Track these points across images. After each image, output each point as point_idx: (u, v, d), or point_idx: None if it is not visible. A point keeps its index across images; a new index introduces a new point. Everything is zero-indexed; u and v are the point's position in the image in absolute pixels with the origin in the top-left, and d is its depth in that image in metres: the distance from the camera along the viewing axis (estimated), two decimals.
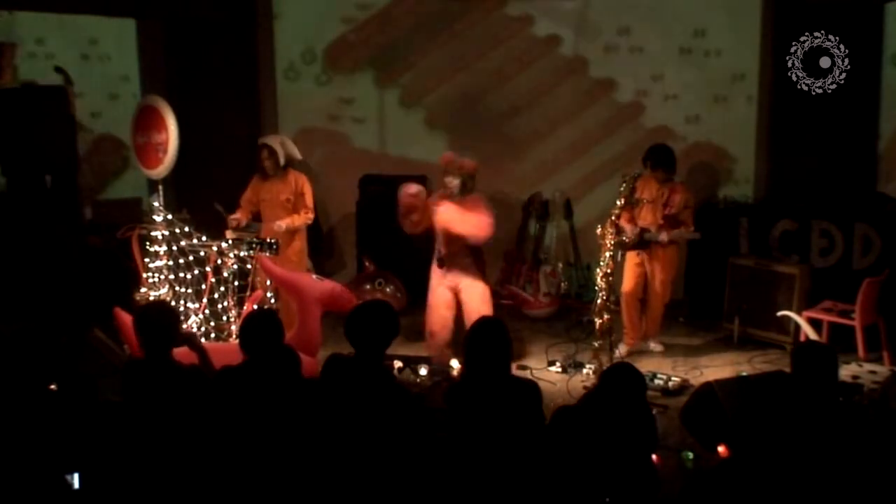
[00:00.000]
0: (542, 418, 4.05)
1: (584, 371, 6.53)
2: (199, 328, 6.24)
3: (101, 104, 8.44)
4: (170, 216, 6.40)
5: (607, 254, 6.43)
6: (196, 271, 6.29)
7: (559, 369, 6.66)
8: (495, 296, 8.01)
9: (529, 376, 5.99)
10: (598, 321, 6.42)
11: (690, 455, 5.02)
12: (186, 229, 6.29)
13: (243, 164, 7.44)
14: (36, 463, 3.56)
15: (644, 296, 7.05)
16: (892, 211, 7.35)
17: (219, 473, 3.81)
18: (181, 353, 4.65)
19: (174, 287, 6.33)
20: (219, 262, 6.31)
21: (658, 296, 7.00)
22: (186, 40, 8.46)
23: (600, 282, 6.44)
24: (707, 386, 5.11)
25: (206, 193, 7.22)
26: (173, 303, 6.28)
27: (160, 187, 6.81)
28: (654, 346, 7.13)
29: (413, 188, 6.44)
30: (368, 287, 7.90)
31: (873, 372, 6.31)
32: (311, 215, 7.04)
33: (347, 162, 8.77)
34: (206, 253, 6.31)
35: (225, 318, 6.34)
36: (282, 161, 6.92)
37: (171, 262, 6.31)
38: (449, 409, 4.09)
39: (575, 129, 8.63)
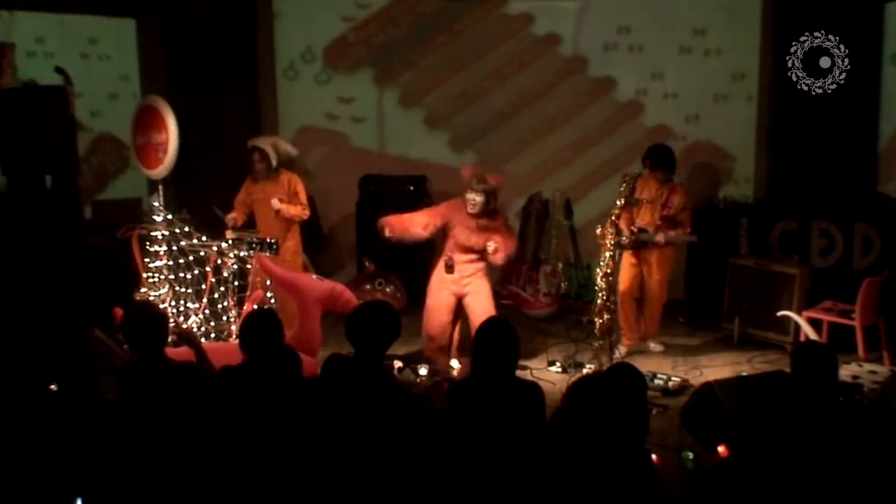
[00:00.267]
0: (543, 420, 4.05)
1: (584, 371, 6.53)
2: (199, 328, 6.24)
3: (101, 104, 8.44)
4: (170, 216, 6.40)
5: (607, 254, 6.43)
6: (196, 271, 6.29)
7: (559, 369, 6.66)
8: (495, 296, 8.03)
9: (529, 377, 6.00)
10: (598, 321, 6.42)
11: (690, 455, 5.02)
12: (186, 229, 6.30)
13: (243, 164, 7.43)
14: (36, 462, 3.56)
15: (641, 295, 7.05)
16: (892, 211, 7.35)
17: (219, 473, 3.81)
18: (180, 352, 4.65)
19: (174, 287, 6.33)
20: (219, 262, 6.31)
21: (655, 295, 7.00)
22: (186, 40, 8.46)
23: (600, 282, 6.44)
24: (707, 386, 5.11)
25: (206, 193, 7.24)
26: (173, 303, 6.29)
27: (160, 187, 6.80)
28: (654, 346, 7.13)
29: (385, 232, 6.42)
30: (368, 287, 7.90)
31: (873, 372, 6.31)
32: (307, 211, 7.09)
33: (347, 161, 8.76)
34: (206, 253, 6.31)
35: (225, 318, 6.35)
36: (274, 163, 6.98)
37: (171, 262, 6.32)
38: (451, 408, 4.09)
39: (575, 129, 8.63)
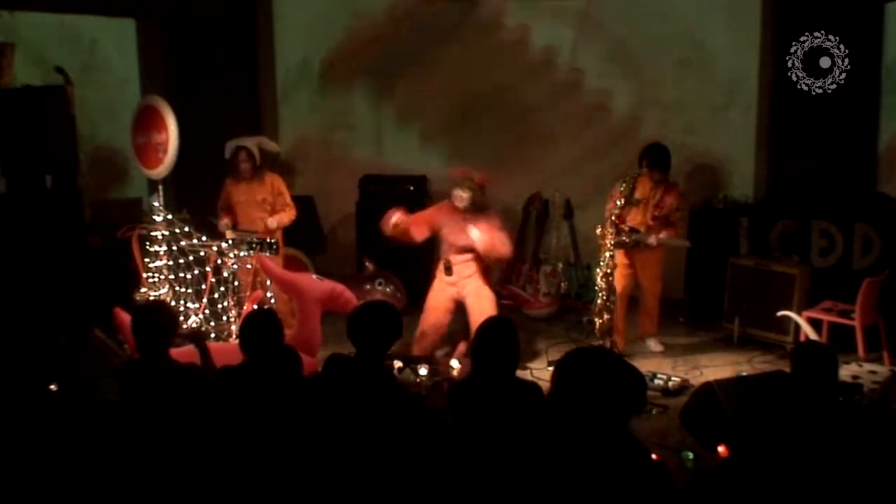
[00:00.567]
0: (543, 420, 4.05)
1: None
2: (199, 328, 6.24)
3: (100, 113, 8.45)
4: (170, 216, 6.41)
5: (607, 254, 6.44)
6: (196, 271, 6.30)
7: None
8: (495, 296, 8.02)
9: (529, 376, 6.00)
10: (598, 321, 6.43)
11: (690, 455, 5.02)
12: (186, 229, 6.30)
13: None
14: (35, 462, 3.56)
15: (636, 294, 7.05)
16: (892, 211, 7.35)
17: (219, 473, 3.81)
18: (184, 352, 4.65)
19: (174, 287, 6.34)
20: (219, 262, 6.32)
21: (650, 292, 7.01)
22: (186, 40, 8.46)
23: (600, 282, 6.44)
24: (707, 386, 5.10)
25: (206, 193, 7.24)
26: (173, 303, 6.29)
27: (160, 187, 6.81)
28: (654, 345, 7.13)
29: (393, 218, 6.41)
30: (368, 287, 7.89)
31: (873, 372, 6.32)
32: (294, 211, 7.13)
33: (343, 173, 8.75)
34: (206, 253, 6.32)
35: (225, 318, 6.35)
36: (258, 162, 7.00)
37: (171, 262, 6.32)
38: (451, 408, 4.09)
39: (573, 141, 8.60)
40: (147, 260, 6.37)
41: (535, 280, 8.15)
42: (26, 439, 3.58)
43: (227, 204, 7.07)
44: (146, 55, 8.55)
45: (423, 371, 6.49)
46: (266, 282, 6.26)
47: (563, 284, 8.31)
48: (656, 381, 6.19)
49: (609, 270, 6.42)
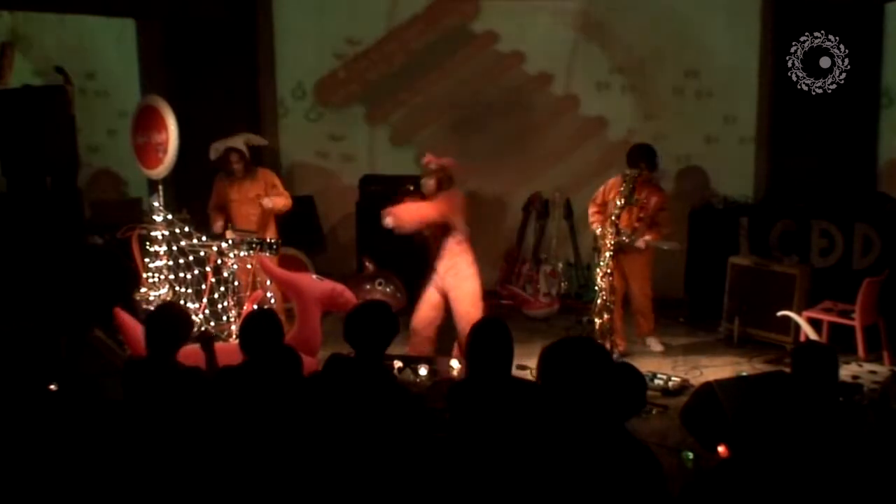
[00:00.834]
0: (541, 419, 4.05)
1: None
2: (199, 328, 6.24)
3: (99, 139, 8.45)
4: (170, 216, 6.40)
5: (607, 254, 6.43)
6: (196, 271, 6.30)
7: None
8: (495, 296, 8.02)
9: (529, 376, 5.99)
10: (597, 321, 6.42)
11: (690, 455, 5.02)
12: (186, 229, 6.30)
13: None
14: (36, 462, 3.56)
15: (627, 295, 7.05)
16: (892, 211, 7.35)
17: (219, 473, 3.81)
18: (189, 352, 4.65)
19: (174, 287, 6.34)
20: (219, 262, 6.32)
21: (640, 293, 7.02)
22: (186, 40, 8.46)
23: (600, 282, 6.44)
24: (707, 386, 5.11)
25: (206, 193, 7.24)
26: None
27: (160, 187, 6.81)
28: (654, 344, 7.14)
29: (387, 222, 6.42)
30: (368, 287, 7.89)
31: (873, 372, 6.32)
32: (289, 200, 7.15)
33: (336, 197, 8.76)
34: (206, 253, 6.32)
35: (225, 318, 6.35)
36: (248, 159, 7.03)
37: (171, 262, 6.32)
38: (449, 408, 4.09)
39: (566, 167, 8.58)
40: (147, 260, 6.37)
41: (535, 280, 8.15)
42: (26, 439, 3.59)
43: (219, 203, 7.06)
44: (146, 55, 8.55)
45: (423, 371, 6.49)
46: (266, 282, 6.26)
47: (563, 284, 8.31)
48: (656, 381, 6.19)
49: (609, 270, 6.42)
